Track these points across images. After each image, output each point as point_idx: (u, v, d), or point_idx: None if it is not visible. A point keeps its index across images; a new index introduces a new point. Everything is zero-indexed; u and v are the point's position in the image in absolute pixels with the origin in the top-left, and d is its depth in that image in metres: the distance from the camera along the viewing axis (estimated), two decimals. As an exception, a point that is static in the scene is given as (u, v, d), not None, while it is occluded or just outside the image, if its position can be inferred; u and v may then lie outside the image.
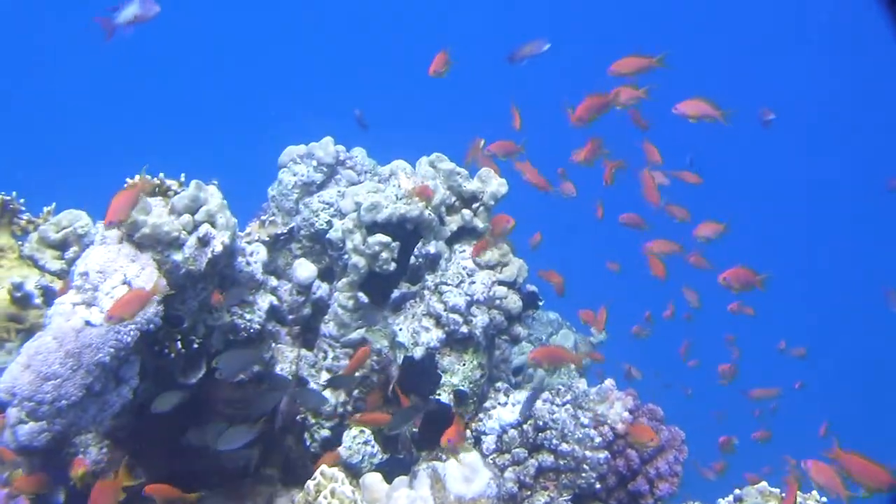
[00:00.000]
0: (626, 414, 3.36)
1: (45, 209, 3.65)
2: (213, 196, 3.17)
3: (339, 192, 3.90)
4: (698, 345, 7.44)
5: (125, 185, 3.21)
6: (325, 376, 3.57)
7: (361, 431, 3.41)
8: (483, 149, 3.90)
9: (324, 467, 2.64)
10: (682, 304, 6.34)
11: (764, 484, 3.41)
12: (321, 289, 3.75)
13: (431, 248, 3.57)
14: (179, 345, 3.19)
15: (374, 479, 2.79)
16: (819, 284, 19.86)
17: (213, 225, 3.15)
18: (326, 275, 3.82)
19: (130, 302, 2.82)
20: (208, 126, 22.49)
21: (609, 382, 3.45)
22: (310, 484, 2.61)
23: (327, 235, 3.70)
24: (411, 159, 3.74)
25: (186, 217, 3.11)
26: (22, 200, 3.56)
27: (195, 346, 3.23)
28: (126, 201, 2.92)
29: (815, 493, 3.30)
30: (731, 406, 7.83)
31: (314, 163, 4.02)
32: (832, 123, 23.38)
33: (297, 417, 3.54)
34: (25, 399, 2.76)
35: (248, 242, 3.56)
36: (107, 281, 2.97)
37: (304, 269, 3.71)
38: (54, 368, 2.75)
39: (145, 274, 3.01)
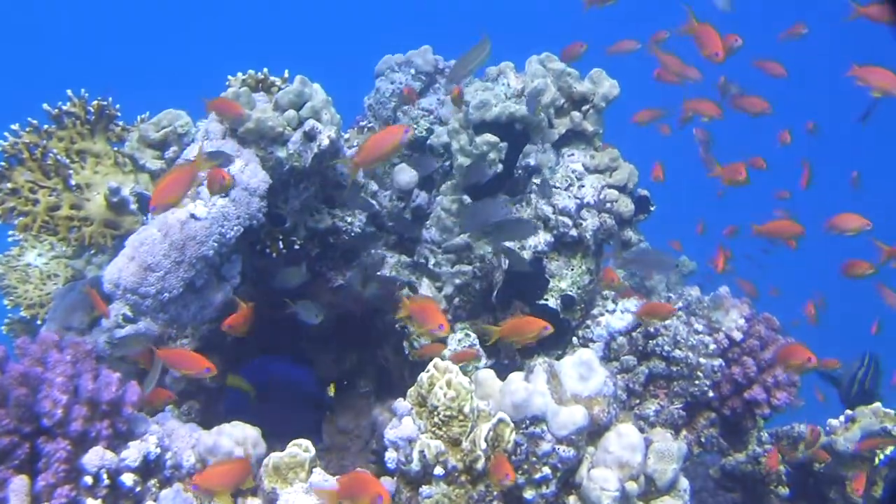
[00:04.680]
0: (741, 321, 3.26)
1: (140, 117, 3.61)
2: (317, 92, 3.11)
3: (438, 100, 3.82)
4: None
5: (227, 83, 3.17)
6: (426, 282, 3.51)
7: (467, 335, 3.35)
8: None
9: (437, 360, 2.57)
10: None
11: (878, 405, 3.30)
12: (420, 196, 3.68)
13: (531, 159, 3.47)
14: (281, 245, 3.15)
15: (487, 375, 2.71)
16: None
17: (318, 121, 3.08)
18: (425, 184, 3.74)
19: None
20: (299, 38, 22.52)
21: (724, 290, 3.35)
22: (423, 376, 2.54)
23: (428, 142, 3.62)
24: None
25: (291, 112, 3.05)
26: (118, 106, 3.51)
27: (296, 247, 3.19)
28: (180, 182, 2.59)
29: None
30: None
31: (412, 71, 3.94)
32: None
33: (396, 326, 3.48)
34: (129, 291, 2.73)
35: (349, 147, 3.50)
36: (210, 176, 2.92)
37: (405, 173, 3.64)
38: (158, 260, 2.72)
39: (249, 169, 2.96)
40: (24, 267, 3.89)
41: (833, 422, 3.33)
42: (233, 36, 22.19)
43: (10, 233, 3.74)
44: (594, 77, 3.56)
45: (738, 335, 3.25)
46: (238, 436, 2.54)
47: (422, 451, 2.41)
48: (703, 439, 3.29)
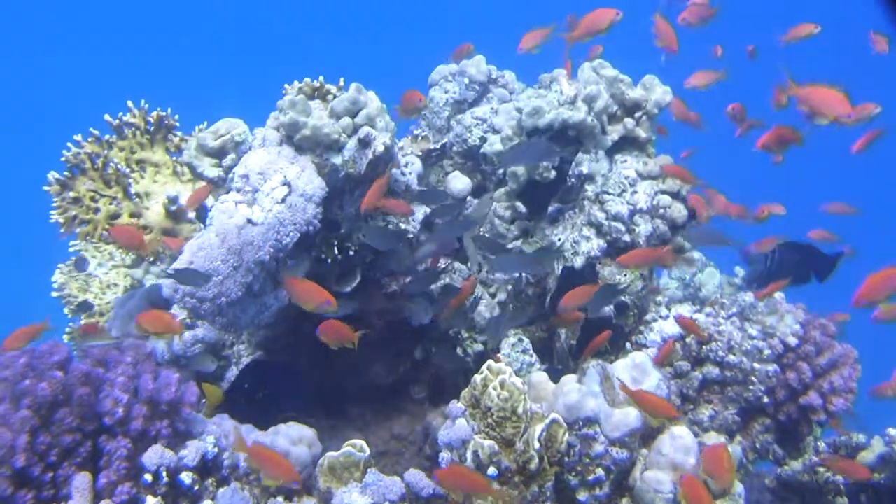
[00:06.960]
0: (796, 327, 3.23)
1: (198, 127, 3.67)
2: (372, 100, 3.13)
3: (491, 108, 3.83)
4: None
5: (284, 92, 3.21)
6: (479, 288, 3.52)
7: (520, 340, 3.36)
8: None
9: (490, 362, 2.59)
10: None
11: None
12: (474, 204, 3.69)
13: (584, 167, 3.47)
14: (336, 251, 3.17)
15: (540, 378, 2.73)
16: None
17: (372, 128, 3.11)
18: (478, 192, 3.76)
19: None
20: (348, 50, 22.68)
21: (779, 295, 3.32)
22: (476, 378, 2.56)
23: (482, 150, 3.64)
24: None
25: (346, 120, 3.08)
26: (176, 117, 3.58)
27: (351, 253, 3.21)
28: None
29: None
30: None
31: (466, 80, 3.95)
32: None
33: (451, 332, 3.49)
34: (188, 295, 2.77)
35: (403, 155, 3.52)
36: (267, 182, 2.96)
37: (459, 180, 3.66)
38: (216, 265, 2.75)
39: (305, 175, 2.99)
40: (85, 277, 3.96)
41: (892, 431, 3.28)
42: (289, 44, 22.41)
43: (72, 243, 3.83)
44: (646, 84, 3.56)
45: (793, 340, 3.21)
46: (294, 435, 2.57)
47: (475, 452, 2.42)
48: (758, 445, 3.26)
